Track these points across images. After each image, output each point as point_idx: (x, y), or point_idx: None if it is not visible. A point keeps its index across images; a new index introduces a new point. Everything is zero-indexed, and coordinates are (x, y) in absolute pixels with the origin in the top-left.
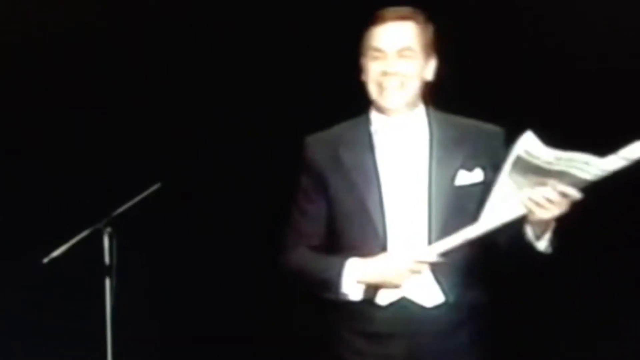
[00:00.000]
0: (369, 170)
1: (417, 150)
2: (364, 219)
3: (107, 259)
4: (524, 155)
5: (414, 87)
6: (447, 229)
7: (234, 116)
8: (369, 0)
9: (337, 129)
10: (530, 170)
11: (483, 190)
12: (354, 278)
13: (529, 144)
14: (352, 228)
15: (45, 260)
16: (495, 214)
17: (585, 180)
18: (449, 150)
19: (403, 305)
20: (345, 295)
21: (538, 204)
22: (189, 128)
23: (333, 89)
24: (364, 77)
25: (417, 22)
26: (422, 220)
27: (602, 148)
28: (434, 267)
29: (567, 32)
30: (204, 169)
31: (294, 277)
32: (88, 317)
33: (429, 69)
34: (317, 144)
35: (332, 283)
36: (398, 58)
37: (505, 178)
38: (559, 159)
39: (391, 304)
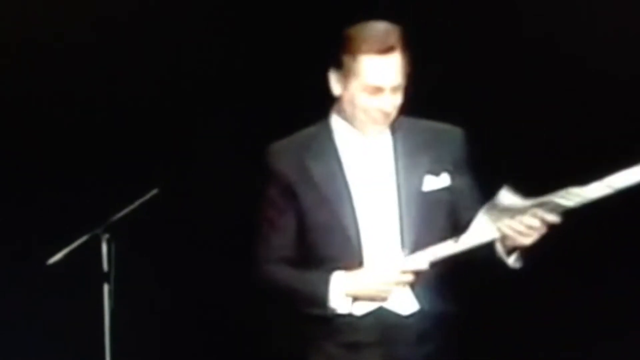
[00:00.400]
0: (339, 181)
1: (384, 157)
2: (338, 230)
3: (105, 266)
4: (501, 207)
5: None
6: (419, 236)
7: (232, 121)
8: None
9: (300, 137)
10: (509, 210)
11: (450, 195)
12: (341, 292)
13: (505, 199)
14: (326, 239)
15: (45, 265)
16: (472, 237)
17: (566, 207)
18: (414, 156)
19: (379, 313)
20: (333, 310)
21: (519, 233)
22: (187, 133)
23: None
24: (344, 98)
25: (402, 49)
26: (394, 229)
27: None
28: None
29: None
30: (202, 174)
31: (275, 292)
32: (86, 324)
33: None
34: (283, 154)
35: (319, 298)
36: (392, 94)
37: (482, 217)
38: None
39: (367, 313)
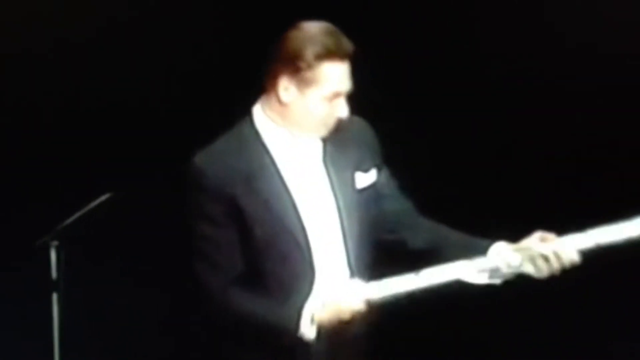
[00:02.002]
0: (280, 189)
1: (316, 160)
2: (287, 239)
3: (54, 274)
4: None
5: None
6: (360, 235)
7: (188, 126)
8: None
9: (227, 145)
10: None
11: (376, 186)
12: (310, 322)
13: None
14: (276, 250)
15: None
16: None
17: None
18: (343, 155)
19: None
20: (301, 338)
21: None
22: (140, 137)
23: None
24: (296, 106)
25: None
26: (337, 231)
27: None
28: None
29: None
30: (156, 179)
31: (238, 320)
32: (35, 334)
33: None
34: (216, 166)
35: (290, 329)
36: (345, 99)
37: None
38: None
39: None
